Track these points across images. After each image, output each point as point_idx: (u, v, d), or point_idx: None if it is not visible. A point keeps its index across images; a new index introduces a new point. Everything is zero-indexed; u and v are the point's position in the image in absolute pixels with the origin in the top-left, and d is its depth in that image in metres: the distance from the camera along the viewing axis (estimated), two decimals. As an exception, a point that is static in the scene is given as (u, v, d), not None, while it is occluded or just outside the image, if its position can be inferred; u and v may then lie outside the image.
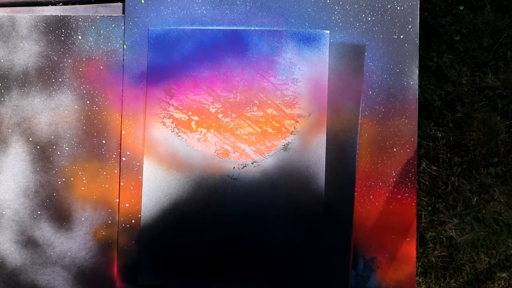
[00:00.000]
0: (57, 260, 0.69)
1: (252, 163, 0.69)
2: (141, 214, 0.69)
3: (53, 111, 0.70)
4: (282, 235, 0.69)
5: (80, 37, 0.70)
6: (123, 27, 0.70)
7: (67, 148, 0.70)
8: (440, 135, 1.63)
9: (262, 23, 0.71)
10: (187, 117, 0.69)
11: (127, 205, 0.69)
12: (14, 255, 0.69)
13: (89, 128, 0.70)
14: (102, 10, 0.72)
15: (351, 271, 0.70)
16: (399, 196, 0.70)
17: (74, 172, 0.70)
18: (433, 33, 1.67)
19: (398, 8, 0.71)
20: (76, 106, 0.70)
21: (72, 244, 0.69)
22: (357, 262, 0.70)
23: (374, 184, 0.70)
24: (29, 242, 0.69)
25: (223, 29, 0.70)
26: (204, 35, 0.70)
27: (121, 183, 0.69)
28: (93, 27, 0.70)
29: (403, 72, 0.70)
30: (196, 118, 0.69)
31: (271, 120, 0.70)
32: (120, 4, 0.72)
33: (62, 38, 0.70)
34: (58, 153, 0.70)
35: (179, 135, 0.69)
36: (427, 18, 1.66)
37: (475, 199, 1.59)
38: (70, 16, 0.70)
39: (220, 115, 0.70)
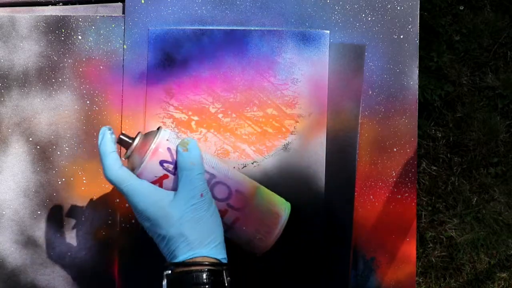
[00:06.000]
0: (57, 260, 0.69)
1: (252, 163, 0.69)
2: (141, 214, 0.69)
3: (53, 111, 0.70)
4: (282, 234, 0.69)
5: (80, 37, 0.70)
6: (123, 27, 0.70)
7: (67, 148, 0.70)
8: (440, 135, 1.63)
9: (262, 23, 0.71)
10: (187, 117, 0.69)
11: (127, 205, 0.69)
12: (14, 255, 0.69)
13: (89, 128, 0.70)
14: (102, 10, 0.72)
15: (351, 271, 0.70)
16: (399, 196, 0.70)
17: (74, 172, 0.70)
18: (433, 33, 1.67)
19: (398, 8, 0.71)
20: (76, 106, 0.70)
21: (72, 244, 0.69)
22: (357, 262, 0.70)
23: (374, 184, 0.70)
24: (29, 242, 0.69)
25: (223, 29, 0.70)
26: (204, 35, 0.70)
27: (121, 183, 0.69)
28: (93, 27, 0.70)
29: (403, 72, 0.70)
30: (196, 118, 0.69)
31: (271, 120, 0.70)
32: (120, 4, 0.72)
33: (62, 38, 0.70)
34: (58, 153, 0.70)
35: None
36: (427, 18, 1.66)
37: (475, 199, 1.59)
38: (70, 16, 0.70)
39: (220, 115, 0.70)
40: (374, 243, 0.70)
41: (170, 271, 0.53)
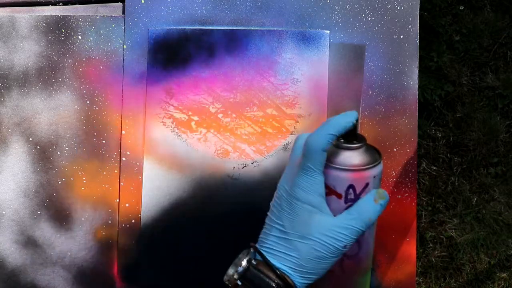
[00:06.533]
0: (57, 260, 0.69)
1: (252, 163, 0.69)
2: (141, 214, 0.69)
3: (53, 111, 0.70)
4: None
5: (80, 37, 0.70)
6: (123, 27, 0.70)
7: (67, 148, 0.70)
8: (440, 135, 1.63)
9: (262, 23, 0.71)
10: (187, 117, 0.69)
11: (127, 205, 0.69)
12: (14, 255, 0.69)
13: (89, 128, 0.70)
14: (102, 10, 0.72)
15: (351, 271, 0.69)
16: (399, 196, 0.70)
17: (74, 172, 0.70)
18: (433, 33, 1.67)
19: (398, 8, 0.71)
20: (76, 106, 0.70)
21: (72, 244, 0.69)
22: (357, 262, 0.70)
23: (374, 184, 0.70)
24: (29, 242, 0.69)
25: (223, 29, 0.70)
26: (204, 35, 0.70)
27: (121, 183, 0.69)
28: (93, 27, 0.70)
29: (403, 72, 0.70)
30: (196, 118, 0.69)
31: (271, 120, 0.70)
32: (120, 4, 0.72)
33: (62, 38, 0.70)
34: (58, 153, 0.70)
35: (179, 135, 0.69)
36: (427, 18, 1.66)
37: (475, 199, 1.59)
38: (70, 16, 0.70)
39: (220, 115, 0.70)
40: (374, 243, 0.70)
41: (255, 262, 0.50)
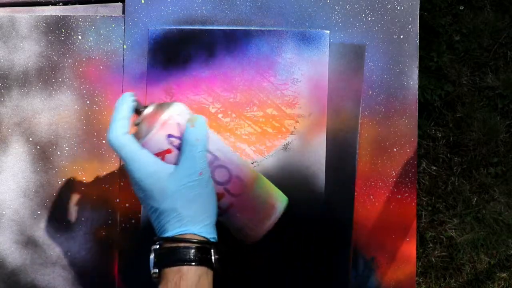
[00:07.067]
0: (57, 260, 0.69)
1: (252, 163, 0.69)
2: (141, 214, 0.69)
3: (53, 111, 0.70)
4: (282, 234, 0.69)
5: (80, 37, 0.70)
6: (123, 27, 0.70)
7: (67, 148, 0.70)
8: (440, 135, 1.63)
9: (262, 23, 0.71)
10: (187, 117, 0.69)
11: (127, 205, 0.69)
12: (14, 255, 0.69)
13: (89, 128, 0.70)
14: (102, 10, 0.72)
15: (351, 271, 0.70)
16: (399, 196, 0.70)
17: (74, 172, 0.70)
18: (433, 33, 1.67)
19: (398, 8, 0.71)
20: (76, 106, 0.70)
21: (72, 244, 0.69)
22: (357, 262, 0.70)
23: (374, 184, 0.70)
24: (29, 242, 0.69)
25: (223, 29, 0.70)
26: (204, 35, 0.70)
27: (121, 183, 0.69)
28: (93, 27, 0.70)
29: (403, 72, 0.70)
30: (196, 118, 0.69)
31: (271, 120, 0.70)
32: (120, 4, 0.72)
33: (62, 38, 0.70)
34: (58, 153, 0.70)
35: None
36: (427, 18, 1.66)
37: (475, 199, 1.59)
38: (70, 16, 0.70)
39: (220, 115, 0.70)
40: (374, 243, 0.70)
41: (158, 246, 0.53)
